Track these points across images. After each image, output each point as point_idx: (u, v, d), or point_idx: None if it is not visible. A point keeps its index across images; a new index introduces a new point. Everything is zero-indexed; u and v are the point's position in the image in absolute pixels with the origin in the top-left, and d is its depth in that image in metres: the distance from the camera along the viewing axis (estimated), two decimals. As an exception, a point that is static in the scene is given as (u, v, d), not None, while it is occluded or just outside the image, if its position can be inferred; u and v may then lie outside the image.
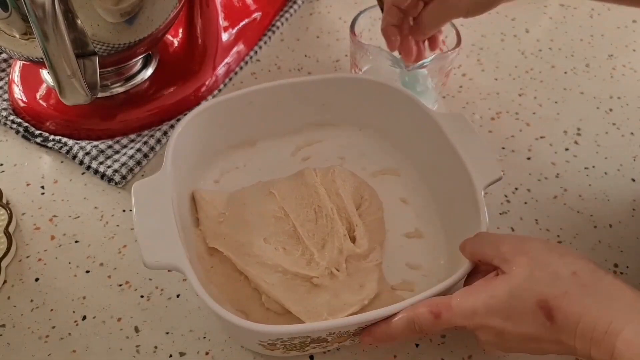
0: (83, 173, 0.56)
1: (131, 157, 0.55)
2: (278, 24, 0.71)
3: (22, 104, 0.59)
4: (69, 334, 0.45)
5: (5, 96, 0.61)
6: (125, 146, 0.57)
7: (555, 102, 0.64)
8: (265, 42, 0.69)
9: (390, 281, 0.47)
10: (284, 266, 0.44)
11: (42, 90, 0.60)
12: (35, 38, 0.44)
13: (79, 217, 0.53)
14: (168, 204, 0.43)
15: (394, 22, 0.54)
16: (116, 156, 0.56)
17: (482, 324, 0.36)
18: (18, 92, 0.60)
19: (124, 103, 0.59)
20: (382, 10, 0.57)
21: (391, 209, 0.51)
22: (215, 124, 0.52)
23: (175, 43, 0.65)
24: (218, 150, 0.54)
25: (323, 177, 0.50)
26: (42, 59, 0.45)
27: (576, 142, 0.60)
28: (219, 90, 0.63)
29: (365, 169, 0.55)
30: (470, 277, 0.41)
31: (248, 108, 0.53)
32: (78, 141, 0.57)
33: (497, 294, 0.35)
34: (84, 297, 0.47)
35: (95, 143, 0.57)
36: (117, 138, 0.58)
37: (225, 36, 0.64)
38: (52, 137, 0.57)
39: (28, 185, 0.55)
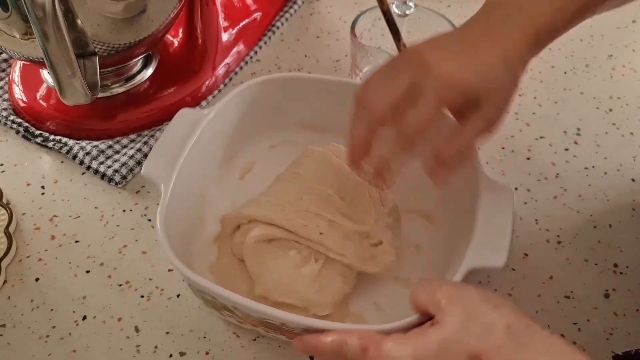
0: (83, 173, 0.56)
1: (131, 157, 0.56)
2: (278, 24, 0.71)
3: (22, 104, 0.60)
4: (69, 333, 0.45)
5: (6, 96, 0.61)
6: (125, 146, 0.57)
7: (555, 102, 0.64)
8: (265, 42, 0.69)
9: (349, 309, 0.46)
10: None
11: (43, 90, 0.60)
12: (35, 38, 0.44)
13: (79, 217, 0.53)
14: (191, 139, 0.47)
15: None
16: (116, 156, 0.56)
17: None
18: (18, 92, 0.60)
19: (124, 103, 0.59)
20: (382, 10, 0.56)
21: (400, 252, 0.49)
22: (291, 97, 0.53)
23: (175, 43, 0.65)
24: (296, 122, 0.55)
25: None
26: (42, 59, 0.45)
27: (576, 142, 0.60)
28: (219, 91, 0.63)
29: (401, 203, 0.52)
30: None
31: (323, 94, 0.53)
32: (78, 141, 0.57)
33: (426, 346, 0.34)
34: (84, 297, 0.47)
35: (95, 143, 0.57)
36: (118, 138, 0.58)
37: (225, 36, 0.64)
38: (52, 137, 0.57)
39: (28, 185, 0.55)
